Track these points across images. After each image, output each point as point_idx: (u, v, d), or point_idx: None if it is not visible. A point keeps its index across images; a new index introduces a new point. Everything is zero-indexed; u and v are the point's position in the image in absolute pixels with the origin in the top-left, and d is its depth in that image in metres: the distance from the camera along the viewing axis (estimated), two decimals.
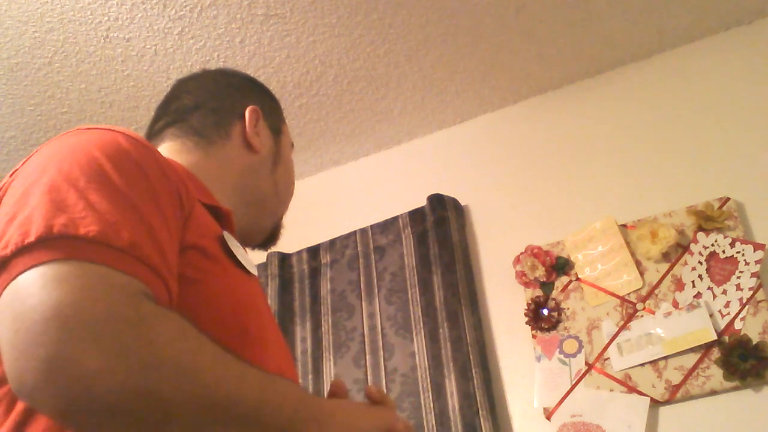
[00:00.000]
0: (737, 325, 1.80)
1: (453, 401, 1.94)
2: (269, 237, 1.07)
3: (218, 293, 0.74)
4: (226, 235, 0.81)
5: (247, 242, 1.02)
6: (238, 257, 0.80)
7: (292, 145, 1.13)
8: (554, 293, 2.04)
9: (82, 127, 0.73)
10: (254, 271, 0.85)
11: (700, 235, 1.93)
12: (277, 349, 0.82)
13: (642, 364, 1.85)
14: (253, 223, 1.01)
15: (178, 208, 0.72)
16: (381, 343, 2.14)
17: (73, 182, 0.64)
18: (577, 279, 2.04)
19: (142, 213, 0.65)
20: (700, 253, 1.91)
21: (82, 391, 0.54)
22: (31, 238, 0.59)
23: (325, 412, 0.71)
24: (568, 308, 2.01)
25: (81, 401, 0.54)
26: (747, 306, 1.80)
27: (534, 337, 2.02)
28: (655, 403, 1.81)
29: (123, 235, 0.62)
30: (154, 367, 0.56)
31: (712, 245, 1.90)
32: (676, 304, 1.88)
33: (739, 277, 1.84)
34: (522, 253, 2.10)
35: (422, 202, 2.29)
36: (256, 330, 0.77)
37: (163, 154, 0.80)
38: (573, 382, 1.91)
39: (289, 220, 2.87)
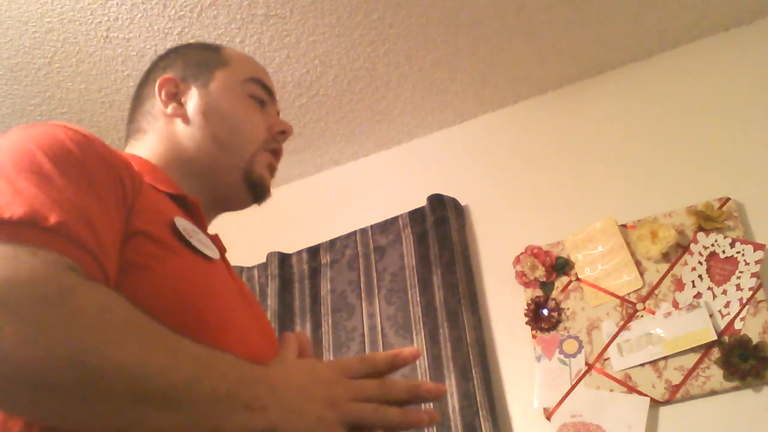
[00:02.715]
0: (737, 325, 1.80)
1: (453, 401, 1.94)
2: (250, 189, 0.99)
3: (169, 279, 0.73)
4: (178, 220, 0.80)
5: (230, 207, 1.01)
6: (193, 242, 0.79)
7: (253, 79, 1.02)
8: (554, 293, 2.04)
9: (24, 126, 0.75)
10: (215, 255, 0.83)
11: (700, 235, 1.93)
12: (250, 335, 0.80)
13: (642, 364, 1.85)
14: (219, 187, 0.98)
15: (120, 196, 0.72)
16: (381, 343, 2.14)
17: (4, 173, 0.66)
18: (577, 279, 2.04)
19: (73, 197, 0.66)
20: (700, 253, 1.91)
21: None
22: None
23: (272, 375, 0.70)
24: (568, 308, 2.01)
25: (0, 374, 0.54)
26: (747, 306, 1.80)
27: (534, 337, 2.02)
28: (655, 403, 1.81)
29: (50, 216, 0.62)
30: (77, 338, 0.56)
31: (712, 245, 1.90)
32: (676, 304, 1.88)
33: (739, 277, 1.84)
34: (522, 253, 2.10)
35: (422, 202, 2.29)
36: (213, 315, 0.75)
37: (131, 158, 0.82)
38: (573, 382, 1.91)
39: (289, 220, 2.87)
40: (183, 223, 0.80)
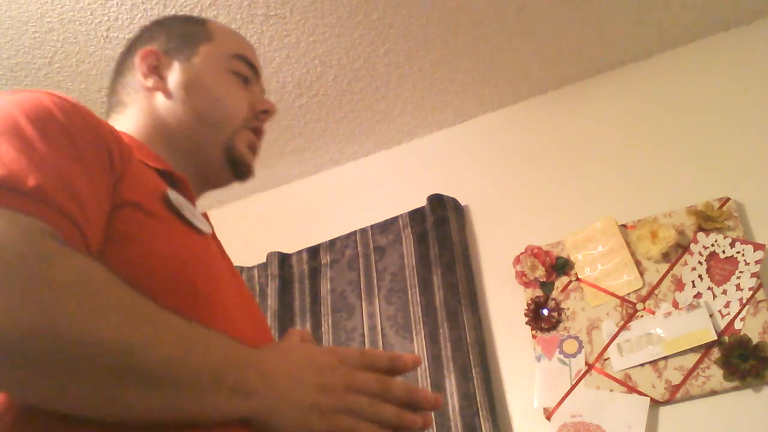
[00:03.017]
0: (737, 325, 1.80)
1: (453, 401, 1.94)
2: (231, 166, 0.96)
3: (160, 249, 0.71)
4: (172, 193, 0.78)
5: (213, 185, 0.99)
6: (186, 215, 0.77)
7: (238, 56, 1.00)
8: (554, 293, 2.04)
9: (8, 91, 0.72)
10: (207, 230, 0.82)
11: (700, 235, 1.93)
12: (239, 312, 0.78)
13: (642, 364, 1.85)
14: (201, 163, 0.95)
15: (107, 165, 0.70)
16: (381, 343, 2.14)
17: None
18: (577, 279, 2.04)
19: (55, 162, 0.64)
20: (700, 253, 1.91)
21: None
22: None
23: (263, 359, 0.67)
24: (568, 308, 2.01)
25: None
26: (747, 306, 1.80)
27: (534, 337, 2.02)
28: (655, 403, 1.81)
29: (29, 180, 0.60)
30: (53, 308, 0.54)
31: (712, 245, 1.90)
32: (676, 304, 1.88)
33: (739, 277, 1.84)
34: (522, 253, 2.10)
35: (422, 202, 2.29)
36: (204, 286, 0.73)
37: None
38: (573, 382, 1.91)
39: (289, 220, 2.87)
40: (175, 196, 0.79)
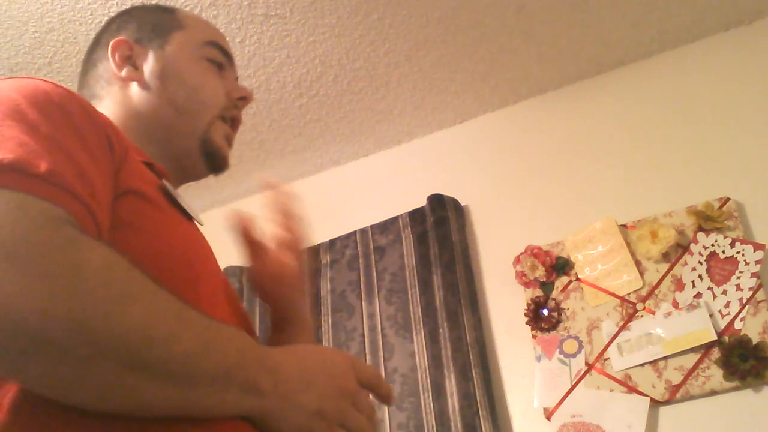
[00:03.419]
0: (737, 325, 1.80)
1: (453, 401, 1.94)
2: (206, 158, 0.95)
3: (163, 239, 0.70)
4: (167, 183, 0.78)
5: (188, 177, 0.97)
6: (183, 205, 0.77)
7: (211, 43, 0.98)
8: (554, 293, 2.04)
9: (3, 77, 0.71)
10: (200, 220, 0.82)
11: (700, 235, 1.93)
12: (224, 304, 0.78)
13: (642, 364, 1.85)
14: (177, 155, 0.93)
15: (108, 151, 0.69)
16: (381, 343, 2.14)
17: None
18: (577, 279, 2.04)
19: (63, 145, 0.63)
20: (700, 253, 1.91)
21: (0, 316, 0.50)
22: None
23: (277, 360, 0.67)
24: (568, 308, 2.01)
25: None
26: (747, 306, 1.80)
27: (534, 337, 2.02)
28: (655, 403, 1.81)
29: (41, 163, 0.58)
30: (81, 294, 0.53)
31: (712, 245, 1.90)
32: (676, 304, 1.88)
33: (739, 277, 1.84)
34: (522, 253, 2.10)
35: (422, 202, 2.28)
36: (204, 277, 0.73)
37: None
38: (573, 382, 1.91)
39: None
40: (170, 188, 0.78)
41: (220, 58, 0.98)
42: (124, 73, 0.94)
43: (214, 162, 0.96)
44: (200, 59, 0.96)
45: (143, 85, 0.93)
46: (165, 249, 0.69)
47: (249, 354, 0.64)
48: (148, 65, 0.94)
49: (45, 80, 0.70)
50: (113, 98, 0.94)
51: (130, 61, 0.95)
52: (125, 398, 0.57)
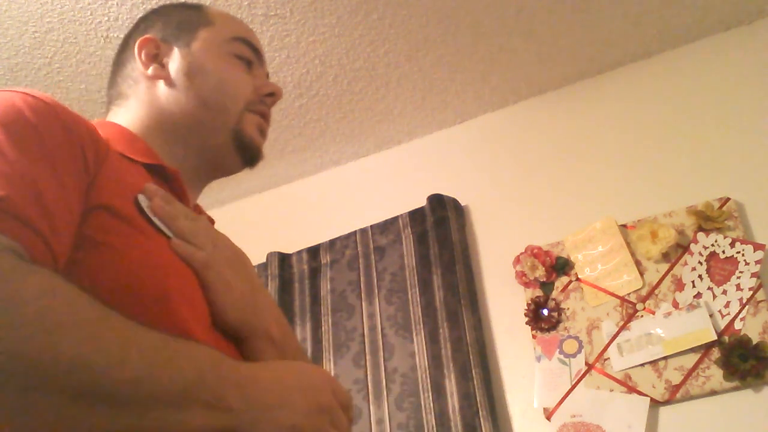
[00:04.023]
0: (737, 325, 1.80)
1: (453, 401, 1.94)
2: (239, 150, 0.93)
3: (131, 256, 0.68)
4: (141, 197, 0.75)
5: (221, 172, 0.96)
6: (155, 221, 0.74)
7: (239, 39, 0.98)
8: (554, 293, 2.04)
9: None
10: (171, 233, 0.78)
11: (700, 235, 1.93)
12: (204, 317, 0.75)
13: (642, 364, 1.85)
14: (208, 149, 0.92)
15: (81, 166, 0.68)
16: (381, 343, 2.14)
17: None
18: (577, 279, 2.04)
19: (24, 170, 0.62)
20: (700, 253, 1.91)
21: None
22: None
23: (247, 376, 0.65)
24: (568, 308, 2.01)
25: None
26: (747, 306, 1.80)
27: (534, 337, 2.02)
28: (655, 403, 1.81)
29: None
30: (15, 326, 0.52)
31: (712, 245, 1.90)
32: (676, 304, 1.88)
33: (739, 277, 1.84)
34: (522, 253, 2.10)
35: (422, 202, 2.29)
36: (178, 295, 0.70)
37: (106, 127, 0.80)
38: (573, 382, 1.91)
39: (289, 220, 2.87)
40: (145, 199, 0.75)
41: (248, 54, 0.97)
42: (150, 71, 0.93)
43: (248, 153, 0.94)
44: (227, 55, 0.95)
45: (170, 82, 0.93)
46: (132, 266, 0.68)
47: (212, 371, 0.62)
48: (174, 62, 0.94)
49: (23, 93, 0.69)
50: (140, 97, 0.93)
51: (156, 59, 0.94)
52: (76, 428, 0.55)
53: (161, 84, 0.93)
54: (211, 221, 0.93)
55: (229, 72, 0.94)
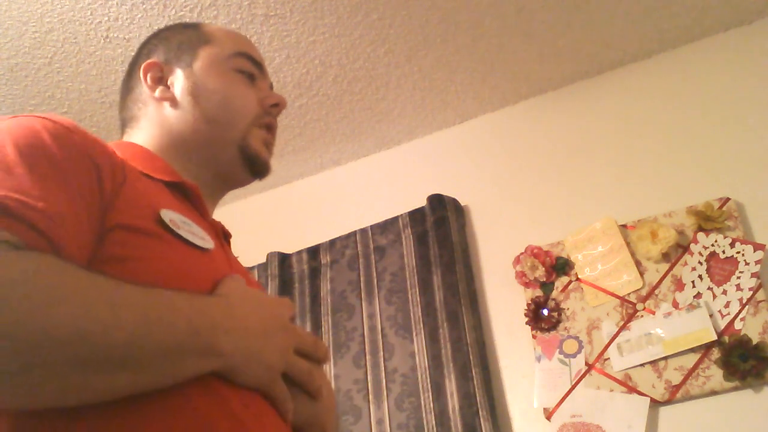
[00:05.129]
0: (737, 325, 1.80)
1: (453, 401, 1.94)
2: (247, 164, 0.97)
3: (155, 268, 0.71)
4: (165, 212, 0.78)
5: (232, 185, 1.00)
6: (182, 233, 0.77)
7: (239, 54, 1.00)
8: (554, 293, 2.04)
9: (7, 117, 0.74)
10: (207, 245, 0.81)
11: (700, 236, 1.93)
12: None
13: (642, 365, 1.85)
14: (218, 164, 0.96)
15: (96, 191, 0.71)
16: (381, 344, 2.14)
17: None
18: (577, 279, 2.04)
19: (27, 184, 0.65)
20: (700, 254, 1.91)
21: None
22: None
23: (234, 316, 0.70)
24: (568, 308, 2.01)
25: None
26: (747, 306, 1.80)
27: (534, 337, 2.02)
28: (655, 403, 1.81)
29: None
30: (7, 310, 0.55)
31: (712, 245, 1.90)
32: (676, 305, 1.88)
33: (739, 278, 1.84)
34: (522, 253, 2.10)
35: (422, 202, 2.28)
36: None
37: (125, 148, 0.85)
38: (573, 383, 1.91)
39: (289, 220, 2.87)
40: (170, 215, 0.78)
41: (250, 67, 1.00)
42: (157, 94, 0.97)
43: (255, 167, 0.98)
44: (229, 71, 0.98)
45: (176, 103, 0.96)
46: (155, 278, 0.70)
47: (202, 319, 0.67)
48: (179, 84, 0.97)
49: (44, 118, 0.73)
50: (151, 118, 0.97)
51: (161, 81, 0.98)
52: (82, 393, 0.59)
53: (168, 105, 0.97)
54: (228, 234, 0.96)
55: (231, 88, 0.97)
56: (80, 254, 0.66)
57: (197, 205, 0.89)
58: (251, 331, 0.71)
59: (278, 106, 1.01)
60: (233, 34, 1.05)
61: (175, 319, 0.64)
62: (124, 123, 1.01)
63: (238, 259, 0.99)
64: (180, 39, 1.01)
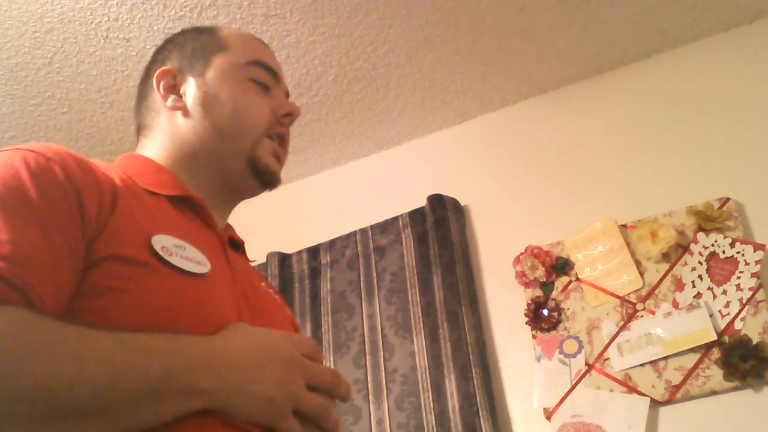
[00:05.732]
0: (737, 325, 1.80)
1: (453, 401, 1.94)
2: (256, 176, 0.95)
3: (145, 301, 0.70)
4: (157, 239, 0.75)
5: (243, 196, 0.99)
6: (173, 261, 0.74)
7: (255, 63, 0.98)
8: (554, 293, 2.04)
9: None
10: (202, 269, 0.78)
11: (700, 236, 1.93)
12: None
13: (642, 365, 1.85)
14: (227, 175, 0.94)
15: (78, 220, 0.70)
16: (381, 344, 2.14)
17: None
18: (577, 279, 2.04)
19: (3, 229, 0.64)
20: (700, 254, 1.91)
21: None
22: None
23: (215, 356, 0.68)
24: (568, 308, 2.01)
25: None
26: (747, 306, 1.80)
27: (534, 337, 2.02)
28: (655, 403, 1.81)
29: None
30: None
31: (712, 245, 1.90)
32: (676, 305, 1.88)
33: (739, 278, 1.84)
34: (522, 253, 2.10)
35: (422, 202, 2.28)
36: (190, 331, 0.71)
37: (132, 161, 0.85)
38: (573, 383, 1.91)
39: (289, 220, 2.87)
40: (163, 241, 0.76)
41: (265, 77, 0.98)
42: (169, 102, 0.95)
43: (264, 178, 0.96)
44: (243, 81, 0.96)
45: (187, 113, 0.95)
46: (147, 310, 0.70)
47: (178, 360, 0.65)
48: (190, 93, 0.95)
49: (26, 150, 0.72)
50: (163, 128, 0.96)
51: (174, 90, 0.96)
52: None
53: (179, 115, 0.95)
54: (241, 242, 0.96)
55: (243, 99, 0.95)
56: (58, 293, 0.66)
57: (204, 218, 0.88)
58: (235, 364, 0.69)
59: (291, 115, 0.99)
60: (250, 40, 1.02)
61: (147, 364, 0.63)
62: (139, 130, 1.00)
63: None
64: (194, 45, 0.99)
